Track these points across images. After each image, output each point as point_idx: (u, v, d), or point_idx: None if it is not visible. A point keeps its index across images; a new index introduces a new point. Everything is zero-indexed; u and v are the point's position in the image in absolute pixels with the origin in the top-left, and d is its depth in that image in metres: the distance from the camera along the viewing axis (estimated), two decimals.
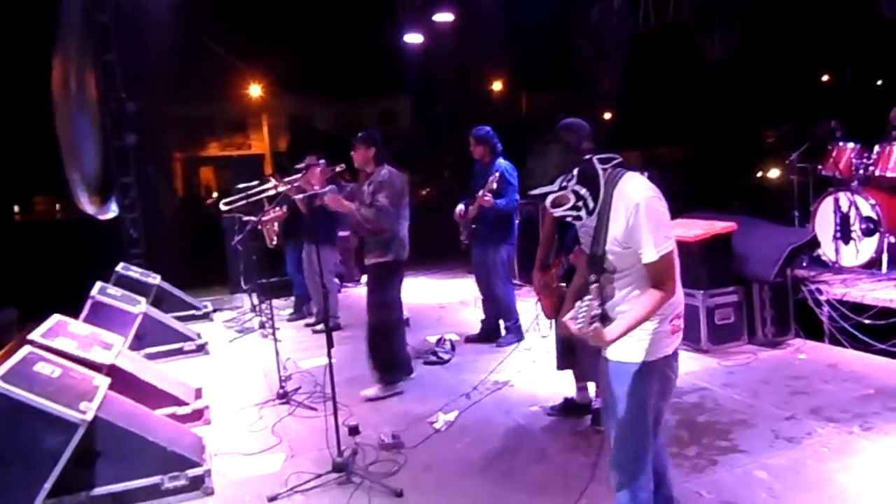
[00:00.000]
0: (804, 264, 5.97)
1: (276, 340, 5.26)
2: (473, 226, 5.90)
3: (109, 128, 9.55)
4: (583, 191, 2.32)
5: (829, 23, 10.61)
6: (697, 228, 5.36)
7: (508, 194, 5.69)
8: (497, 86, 26.15)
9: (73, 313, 7.33)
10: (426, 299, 8.47)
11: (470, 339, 6.20)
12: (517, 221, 6.35)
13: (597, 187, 2.35)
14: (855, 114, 6.50)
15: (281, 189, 7.09)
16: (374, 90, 27.87)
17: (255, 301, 7.91)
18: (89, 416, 3.20)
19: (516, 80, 25.08)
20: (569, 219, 2.41)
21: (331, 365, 3.90)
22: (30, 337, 4.04)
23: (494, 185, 5.56)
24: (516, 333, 6.00)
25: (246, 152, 28.64)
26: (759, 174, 13.86)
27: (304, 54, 19.83)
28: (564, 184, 2.29)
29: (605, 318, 2.37)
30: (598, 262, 2.36)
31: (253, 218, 6.86)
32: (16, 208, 20.72)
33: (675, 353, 2.47)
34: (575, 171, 2.30)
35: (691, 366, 4.96)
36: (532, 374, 5.19)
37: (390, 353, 5.02)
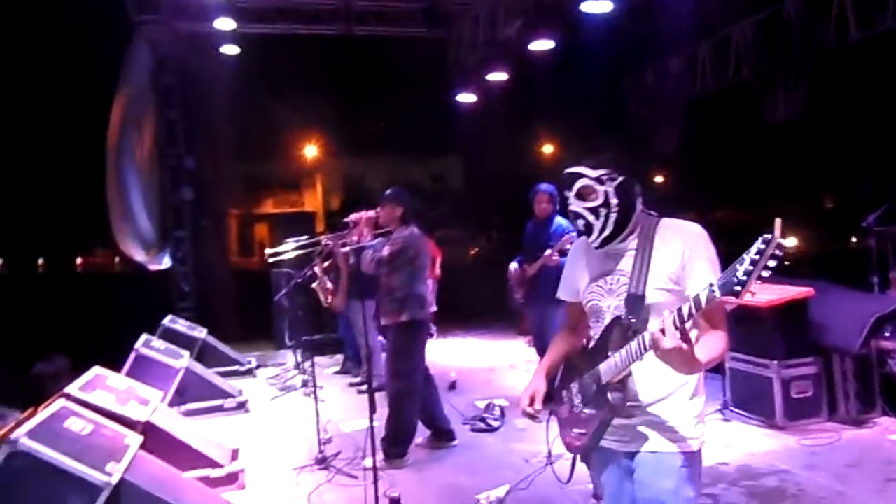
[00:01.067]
0: (887, 335, 5.48)
1: (317, 400, 5.03)
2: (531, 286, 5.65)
3: (168, 183, 9.75)
4: (614, 201, 2.02)
5: None
6: (769, 293, 4.97)
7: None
8: (547, 148, 26.24)
9: (120, 365, 7.34)
10: (474, 362, 8.15)
11: None
12: None
13: (627, 214, 2.04)
14: None
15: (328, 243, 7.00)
16: (426, 150, 28.24)
17: (299, 358, 7.73)
18: (115, 479, 3.00)
19: (565, 143, 25.11)
20: (579, 223, 2.06)
21: (372, 430, 3.64)
22: (66, 390, 3.90)
23: (568, 246, 5.34)
24: None
25: (300, 209, 29.15)
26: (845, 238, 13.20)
27: (358, 115, 20.22)
28: (605, 177, 2.02)
29: (622, 384, 1.97)
30: (636, 305, 2.01)
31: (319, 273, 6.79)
32: (78, 260, 21.43)
33: None
34: (621, 178, 2.03)
35: (767, 444, 4.52)
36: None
37: (400, 423, 4.70)
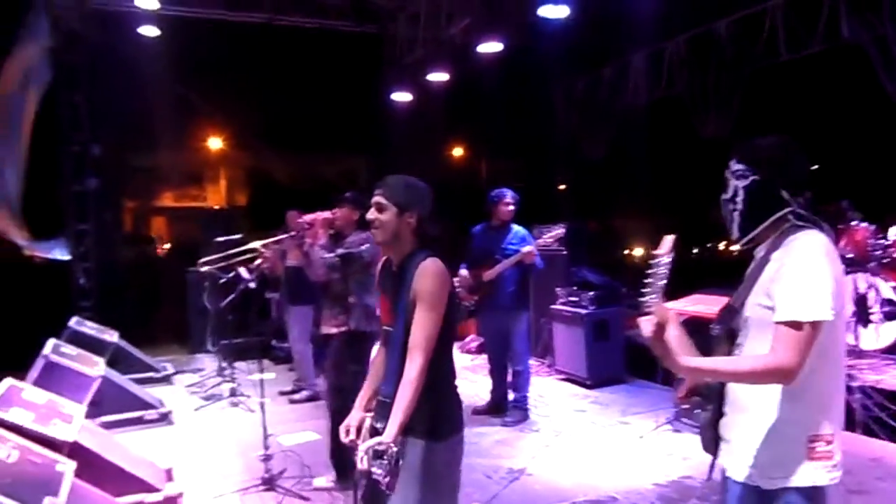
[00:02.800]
0: None
1: (263, 413, 4.62)
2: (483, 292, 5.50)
3: (69, 170, 8.93)
4: (740, 199, 1.89)
5: (833, 98, 10.84)
6: (713, 304, 5.04)
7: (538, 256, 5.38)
8: (457, 151, 26.29)
9: (14, 367, 6.58)
10: None
11: (478, 412, 5.68)
12: None
13: (754, 219, 1.89)
14: (864, 193, 6.41)
15: (265, 252, 6.59)
16: (334, 148, 27.64)
17: (224, 363, 7.23)
18: None
19: (477, 146, 25.26)
20: (723, 212, 1.98)
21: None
22: None
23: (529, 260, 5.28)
24: (523, 412, 5.53)
25: (202, 204, 27.83)
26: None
27: (265, 108, 19.45)
28: (739, 173, 1.90)
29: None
30: (729, 318, 1.89)
31: (245, 276, 6.35)
32: None
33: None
34: (753, 178, 1.88)
35: None
36: (548, 460, 4.70)
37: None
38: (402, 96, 9.38)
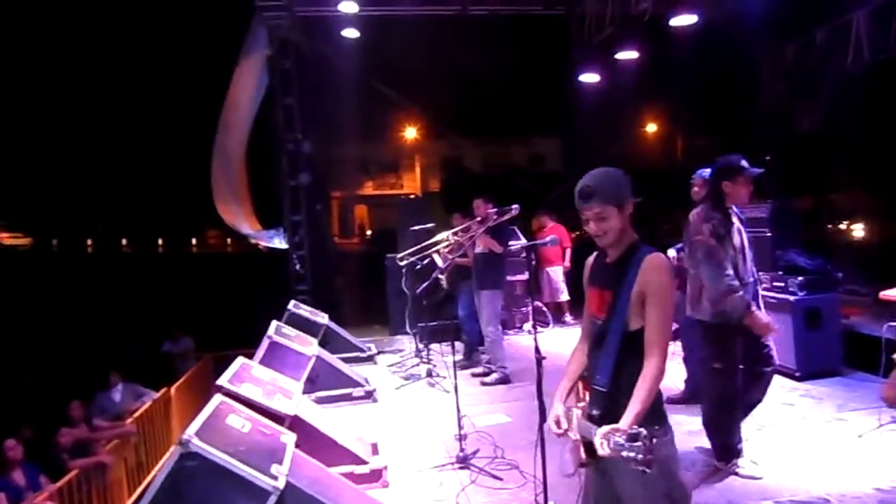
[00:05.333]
0: None
1: (457, 396, 4.83)
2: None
3: (285, 167, 9.86)
4: None
5: None
6: None
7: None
8: (651, 128, 25.20)
9: (243, 344, 7.47)
10: None
11: (672, 401, 5.46)
12: None
13: None
14: None
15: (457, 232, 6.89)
16: (525, 131, 27.76)
17: (420, 345, 7.64)
18: (281, 483, 2.93)
19: (673, 123, 24.03)
20: None
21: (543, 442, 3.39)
22: (219, 383, 3.89)
23: None
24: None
25: (399, 191, 29.44)
26: None
27: (458, 96, 19.95)
28: None
29: None
30: None
31: (441, 262, 6.70)
32: (193, 241, 22.40)
33: None
34: None
35: None
36: (749, 456, 4.41)
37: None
38: (590, 77, 9.19)
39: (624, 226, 2.41)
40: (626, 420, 2.22)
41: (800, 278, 6.17)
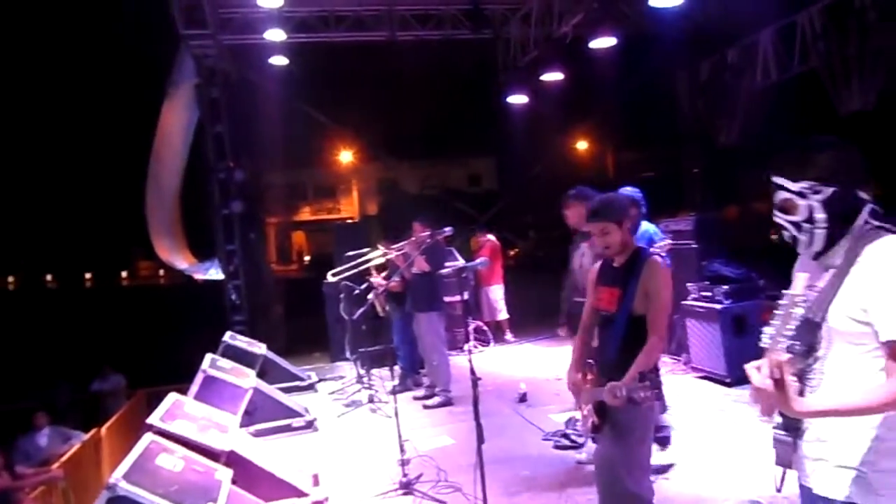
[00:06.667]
0: None
1: (398, 421, 4.81)
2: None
3: (217, 196, 9.69)
4: (819, 216, 1.79)
5: None
6: None
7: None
8: (582, 145, 25.89)
9: (178, 379, 7.25)
10: (538, 371, 7.87)
11: None
12: None
13: (839, 229, 1.80)
14: None
15: (389, 256, 6.89)
16: (461, 152, 28.06)
17: (361, 371, 7.58)
18: None
19: (601, 139, 24.76)
20: (784, 234, 1.87)
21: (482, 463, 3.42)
22: (149, 421, 3.77)
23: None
24: None
25: (336, 216, 29.26)
26: None
27: (391, 120, 20.04)
28: (807, 191, 1.79)
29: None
30: (807, 332, 1.79)
31: (380, 283, 6.69)
32: (123, 273, 21.68)
33: None
34: (829, 190, 1.78)
35: None
36: (685, 463, 4.55)
37: None
38: (519, 98, 9.40)
39: (625, 238, 3.06)
40: (629, 375, 2.79)
41: (725, 287, 6.41)
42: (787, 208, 1.83)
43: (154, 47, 10.75)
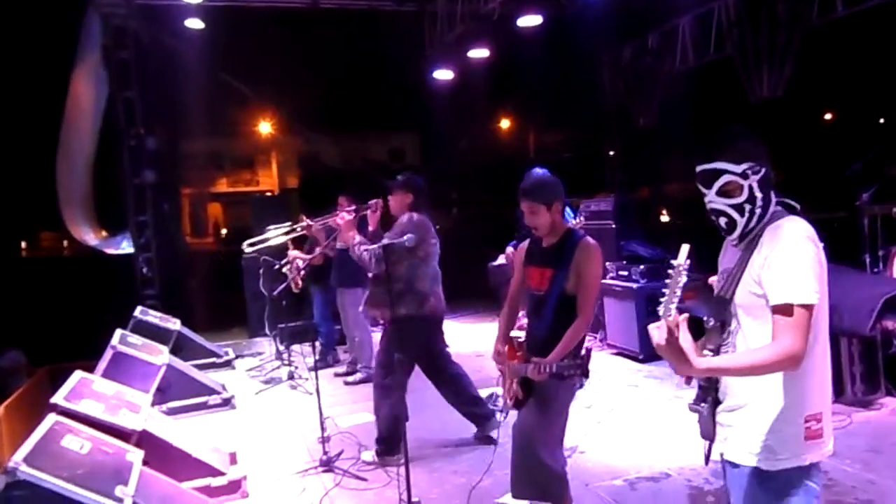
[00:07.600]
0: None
1: (319, 398, 4.74)
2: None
3: (128, 164, 9.21)
4: (758, 195, 1.89)
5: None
6: None
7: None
8: (505, 124, 26.09)
9: (84, 355, 6.89)
10: (460, 347, 7.92)
11: None
12: None
13: (767, 208, 1.92)
14: None
15: (314, 229, 6.73)
16: (384, 126, 27.72)
17: (281, 347, 7.42)
18: None
19: (524, 119, 25.00)
20: (721, 221, 1.95)
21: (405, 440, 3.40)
22: (53, 401, 3.56)
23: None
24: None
25: (255, 188, 28.45)
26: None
27: (313, 91, 19.57)
28: (749, 171, 1.88)
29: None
30: (720, 308, 1.95)
31: (301, 256, 6.54)
32: (23, 244, 20.37)
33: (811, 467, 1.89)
34: (763, 170, 1.89)
35: None
36: (601, 437, 4.70)
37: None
38: (444, 74, 9.33)
39: (554, 220, 3.06)
40: (554, 353, 2.89)
41: (641, 267, 6.62)
42: (729, 191, 1.90)
43: (62, 7, 10.02)
